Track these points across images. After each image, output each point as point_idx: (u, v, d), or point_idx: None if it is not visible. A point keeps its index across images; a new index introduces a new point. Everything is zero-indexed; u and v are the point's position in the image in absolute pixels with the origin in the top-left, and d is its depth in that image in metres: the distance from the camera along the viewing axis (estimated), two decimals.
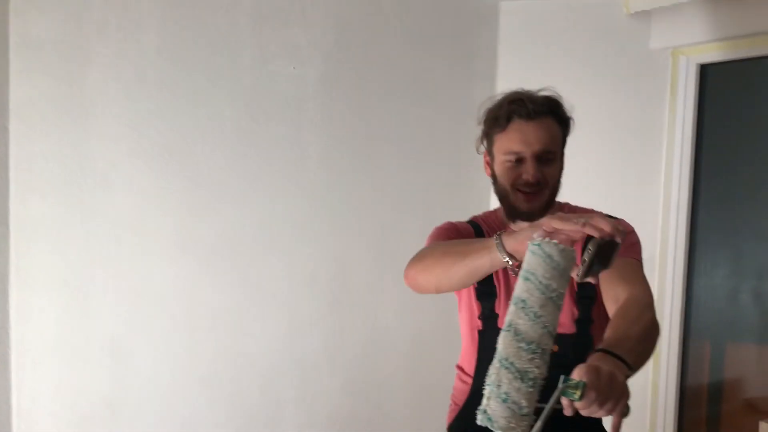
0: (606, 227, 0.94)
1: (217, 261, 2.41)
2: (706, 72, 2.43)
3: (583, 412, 0.91)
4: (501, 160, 1.36)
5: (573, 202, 1.56)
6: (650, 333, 1.18)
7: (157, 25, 2.31)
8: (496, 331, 1.29)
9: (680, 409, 2.59)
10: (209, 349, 2.43)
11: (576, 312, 1.37)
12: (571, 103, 1.40)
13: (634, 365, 1.03)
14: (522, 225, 1.40)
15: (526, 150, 1.32)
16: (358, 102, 2.67)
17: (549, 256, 0.94)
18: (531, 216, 1.34)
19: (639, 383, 2.58)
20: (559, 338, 1.24)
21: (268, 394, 2.58)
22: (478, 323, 1.40)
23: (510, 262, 1.09)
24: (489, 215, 1.51)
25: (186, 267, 2.38)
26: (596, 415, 0.92)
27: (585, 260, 0.98)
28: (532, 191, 1.34)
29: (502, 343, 0.92)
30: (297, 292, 2.60)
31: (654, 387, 2.59)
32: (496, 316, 1.38)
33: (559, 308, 0.96)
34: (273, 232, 2.53)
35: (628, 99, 2.50)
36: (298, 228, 2.59)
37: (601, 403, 0.90)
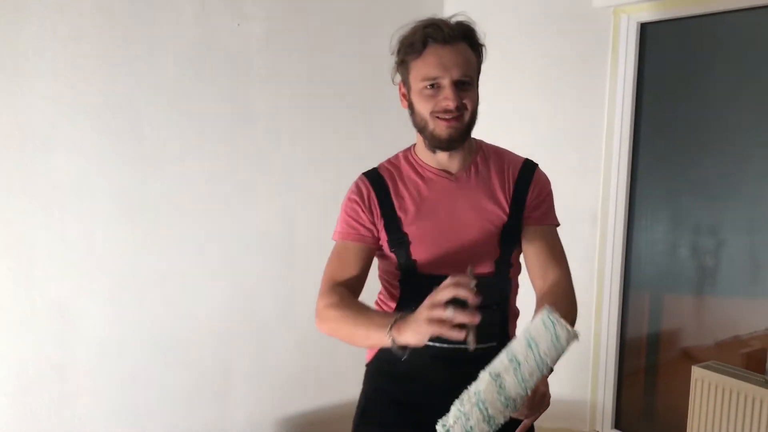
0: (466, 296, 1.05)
1: (162, 222, 2.39)
2: (646, 30, 2.47)
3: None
4: (418, 87, 1.31)
5: (517, 158, 1.52)
6: (575, 319, 1.37)
7: None
8: (416, 276, 1.36)
9: (620, 358, 2.69)
10: (158, 311, 2.43)
11: (498, 253, 1.38)
12: (483, 31, 1.37)
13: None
14: (442, 158, 1.38)
15: (444, 75, 1.28)
16: (304, 58, 2.64)
17: (557, 337, 1.00)
18: (451, 143, 1.33)
19: (581, 334, 2.68)
20: (479, 278, 1.26)
21: (219, 355, 2.60)
22: (398, 273, 1.40)
23: (400, 351, 1.14)
24: (398, 160, 1.45)
25: (131, 228, 2.36)
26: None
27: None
28: (452, 116, 1.30)
29: (485, 388, 1.00)
30: (246, 252, 2.60)
31: (596, 337, 2.69)
32: (414, 262, 1.37)
33: (541, 378, 1.04)
34: (219, 191, 2.51)
35: (570, 56, 2.53)
36: (245, 188, 2.57)
37: (527, 415, 1.15)
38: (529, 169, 1.46)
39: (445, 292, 1.09)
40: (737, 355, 2.40)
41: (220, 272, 2.55)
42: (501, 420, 1.01)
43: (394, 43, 1.36)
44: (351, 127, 2.76)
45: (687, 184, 2.54)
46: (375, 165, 1.48)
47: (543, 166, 2.56)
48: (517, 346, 1.01)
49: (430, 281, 1.29)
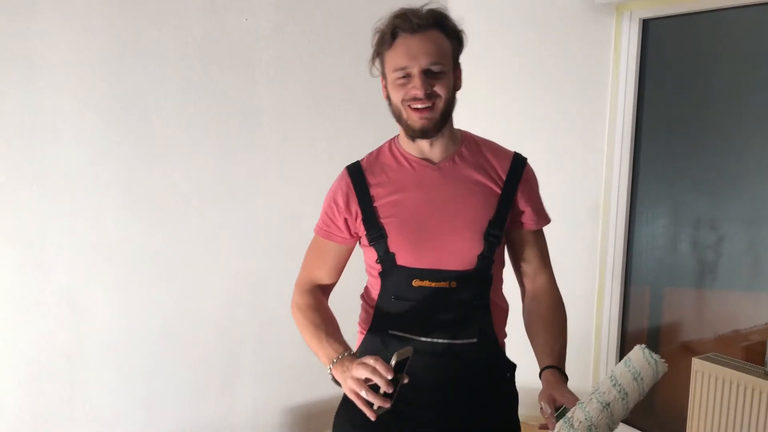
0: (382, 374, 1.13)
1: (170, 213, 2.42)
2: (648, 26, 2.50)
3: None
4: (392, 78, 1.32)
5: (506, 151, 1.50)
6: (566, 326, 1.43)
7: None
8: (396, 268, 1.36)
9: (621, 350, 2.72)
10: (165, 302, 2.47)
11: (481, 248, 1.35)
12: (460, 17, 1.36)
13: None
14: (423, 146, 1.37)
15: (412, 64, 1.28)
16: (311, 52, 2.67)
17: (657, 373, 1.15)
18: (425, 133, 1.32)
19: (583, 326, 2.71)
20: (459, 273, 1.33)
21: (225, 344, 2.64)
22: (378, 266, 1.39)
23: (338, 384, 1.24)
24: (381, 151, 1.45)
25: (139, 219, 2.39)
26: None
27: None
28: (423, 107, 1.29)
29: (597, 415, 1.13)
30: (251, 243, 2.64)
31: (597, 330, 2.72)
32: (393, 255, 1.36)
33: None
34: (226, 183, 2.54)
35: (573, 52, 2.55)
36: (251, 179, 2.61)
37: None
38: (519, 164, 1.42)
39: (360, 371, 1.16)
40: (737, 348, 2.42)
41: (227, 264, 2.58)
42: None
43: (372, 37, 1.36)
44: (357, 122, 2.79)
45: (688, 178, 2.56)
46: None
47: (545, 161, 2.59)
48: (623, 378, 1.14)
49: (410, 274, 1.35)
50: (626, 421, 2.68)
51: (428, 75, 1.29)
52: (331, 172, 2.79)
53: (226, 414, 2.65)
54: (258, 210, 2.63)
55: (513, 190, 1.38)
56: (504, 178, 1.39)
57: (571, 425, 1.14)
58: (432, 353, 1.35)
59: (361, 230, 1.39)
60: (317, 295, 1.46)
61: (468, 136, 1.45)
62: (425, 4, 1.33)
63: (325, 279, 1.49)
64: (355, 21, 2.72)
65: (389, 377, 1.13)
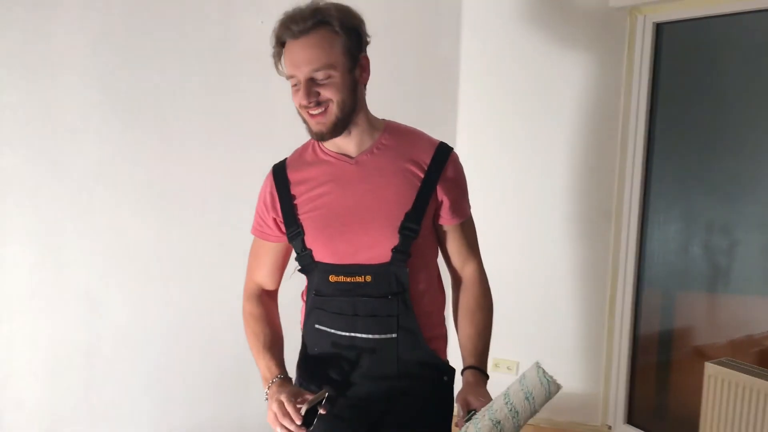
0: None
1: (187, 212, 2.46)
2: (662, 30, 2.50)
3: None
4: (290, 84, 1.31)
5: (430, 141, 1.43)
6: (492, 316, 1.45)
7: None
8: (314, 264, 1.38)
9: (633, 353, 2.71)
10: (182, 300, 2.50)
11: (396, 241, 1.32)
12: (359, 11, 1.31)
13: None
14: (339, 141, 1.36)
15: (297, 72, 1.26)
16: None
17: (550, 393, 1.18)
18: (323, 136, 1.31)
19: (595, 331, 2.71)
20: (374, 268, 1.33)
21: (242, 344, 2.64)
22: (297, 263, 1.42)
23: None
24: (305, 147, 1.46)
25: (157, 218, 2.43)
26: None
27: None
28: (316, 112, 1.28)
29: (486, 429, 1.16)
30: None
31: (609, 334, 2.71)
32: (309, 251, 1.37)
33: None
34: (243, 183, 2.54)
35: (586, 56, 2.56)
36: None
37: None
38: (442, 154, 1.37)
39: (275, 407, 1.27)
40: (750, 353, 2.41)
41: (243, 263, 2.60)
42: None
43: None
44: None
45: (701, 182, 2.56)
46: None
47: (559, 165, 2.58)
48: (515, 397, 1.17)
49: (326, 270, 1.36)
50: (639, 425, 2.67)
51: (314, 82, 1.26)
52: None
53: (241, 413, 2.67)
54: None
55: (433, 182, 1.35)
56: (425, 169, 1.35)
57: None
58: (353, 348, 1.36)
59: (284, 228, 1.40)
60: (263, 302, 1.49)
61: (391, 126, 1.41)
62: (314, 1, 1.28)
63: (267, 281, 1.50)
64: (368, 23, 2.74)
65: (298, 423, 1.23)
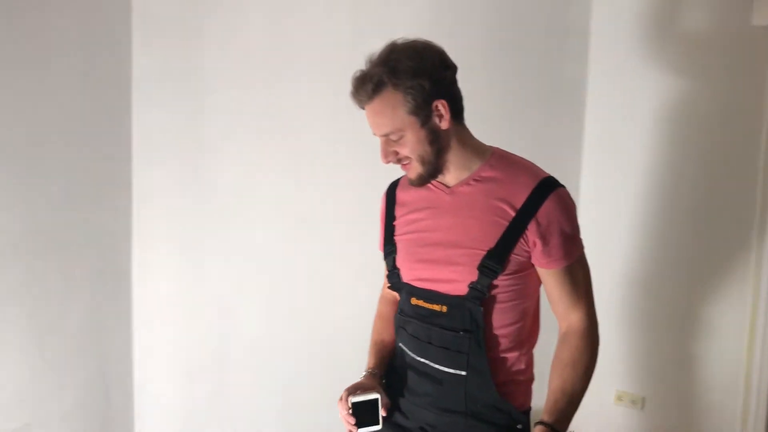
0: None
1: (314, 227, 2.49)
2: None
3: None
4: None
5: (533, 175, 1.38)
6: (590, 376, 1.35)
7: (261, 2, 2.40)
8: (401, 284, 1.44)
9: None
10: (307, 311, 2.53)
11: (474, 277, 1.31)
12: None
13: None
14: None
15: (376, 133, 1.34)
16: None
17: None
18: (415, 183, 1.37)
19: (731, 372, 2.52)
20: (450, 299, 1.33)
21: (360, 357, 2.67)
22: (388, 280, 1.51)
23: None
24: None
25: (286, 233, 2.48)
26: None
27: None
28: (403, 164, 1.36)
29: None
30: None
31: (747, 372, 2.52)
32: (398, 270, 1.45)
33: None
34: (367, 199, 2.57)
35: (726, 76, 2.40)
36: None
37: None
38: (540, 193, 1.29)
39: (341, 403, 1.44)
40: None
41: (364, 277, 2.62)
42: None
43: None
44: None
45: None
46: None
47: (694, 189, 2.40)
48: None
49: (410, 291, 1.42)
50: None
51: (388, 141, 1.32)
52: None
53: None
54: None
55: (522, 224, 1.29)
56: (518, 208, 1.30)
57: None
58: (425, 374, 1.40)
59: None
60: (387, 303, 1.60)
61: (497, 155, 1.38)
62: (379, 54, 1.30)
63: (390, 294, 1.59)
64: (490, 49, 2.69)
65: (352, 422, 1.39)
